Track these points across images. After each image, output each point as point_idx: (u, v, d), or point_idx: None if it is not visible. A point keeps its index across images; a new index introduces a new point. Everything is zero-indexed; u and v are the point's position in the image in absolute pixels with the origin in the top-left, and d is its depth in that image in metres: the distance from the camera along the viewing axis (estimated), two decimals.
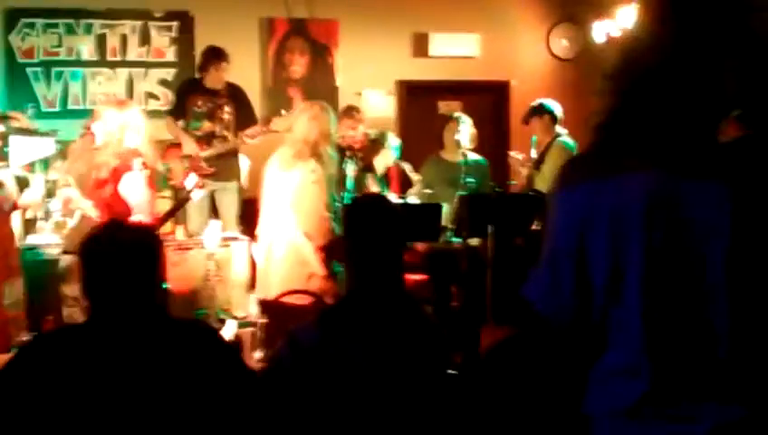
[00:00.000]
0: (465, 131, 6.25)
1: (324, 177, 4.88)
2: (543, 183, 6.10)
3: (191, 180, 5.05)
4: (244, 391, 2.15)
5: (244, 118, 6.71)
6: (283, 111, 6.56)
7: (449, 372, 2.48)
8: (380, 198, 2.73)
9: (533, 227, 5.62)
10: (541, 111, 6.39)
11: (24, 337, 2.79)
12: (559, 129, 6.37)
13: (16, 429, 2.06)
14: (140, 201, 4.37)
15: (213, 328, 2.51)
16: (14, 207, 4.55)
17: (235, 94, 6.74)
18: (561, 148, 6.22)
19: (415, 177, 6.43)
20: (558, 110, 6.42)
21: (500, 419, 2.45)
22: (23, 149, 4.40)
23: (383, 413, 2.31)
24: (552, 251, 1.60)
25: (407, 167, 6.61)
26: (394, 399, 2.32)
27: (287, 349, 2.34)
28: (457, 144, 6.19)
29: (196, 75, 7.02)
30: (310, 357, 2.29)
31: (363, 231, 2.42)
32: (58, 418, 2.06)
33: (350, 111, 6.93)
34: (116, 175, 4.41)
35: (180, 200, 5.19)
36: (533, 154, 6.44)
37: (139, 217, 4.37)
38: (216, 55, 6.61)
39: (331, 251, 3.26)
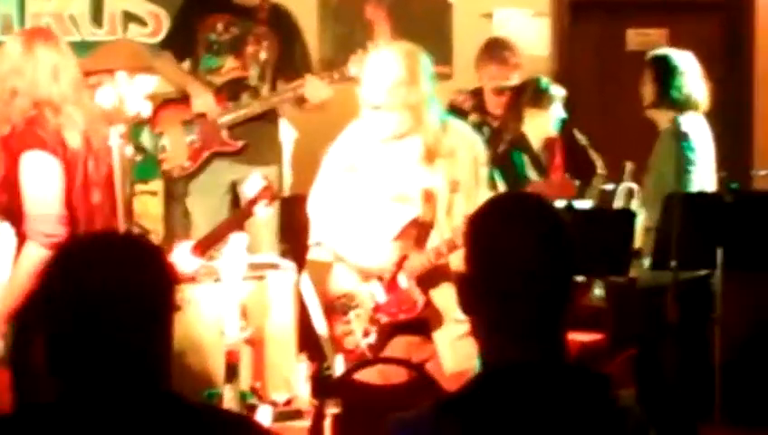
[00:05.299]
0: (694, 80, 6.30)
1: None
2: None
3: (255, 184, 5.13)
4: None
5: (292, 60, 6.79)
6: (369, 46, 6.55)
7: None
8: (533, 202, 2.72)
9: None
10: None
11: None
12: None
13: None
14: (41, 203, 4.44)
15: (249, 420, 2.55)
16: None
17: (279, 20, 6.82)
18: None
19: (597, 159, 6.43)
20: None
21: None
22: None
23: None
24: None
25: (582, 139, 6.63)
26: None
27: None
28: (678, 102, 6.20)
29: None
30: None
31: (508, 261, 2.43)
32: None
33: (500, 51, 7.03)
34: (9, 149, 4.47)
35: (235, 217, 5.29)
36: None
37: (41, 228, 4.42)
38: None
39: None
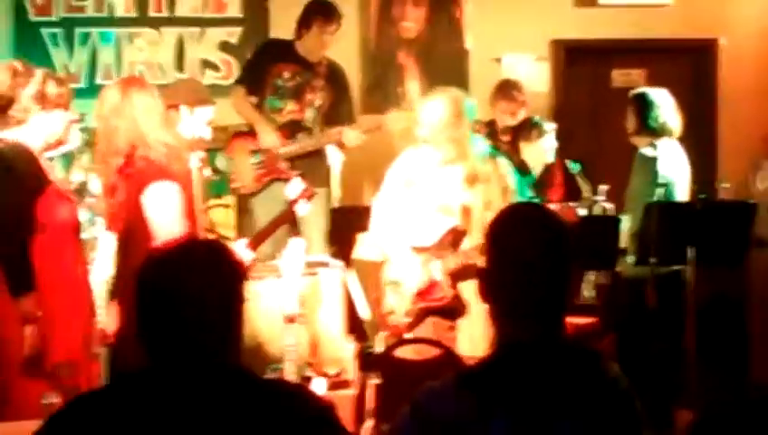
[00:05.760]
0: (668, 111, 6.29)
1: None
2: None
3: (295, 187, 5.18)
4: None
5: (339, 110, 6.85)
6: (401, 93, 6.70)
7: None
8: (539, 209, 2.73)
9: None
10: None
11: (54, 398, 2.88)
12: None
13: None
14: (170, 225, 4.40)
15: (308, 390, 2.55)
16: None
17: (336, 76, 6.87)
18: None
19: (585, 184, 6.41)
20: None
21: None
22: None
23: None
24: None
25: (573, 167, 6.60)
26: None
27: (413, 423, 2.35)
28: (655, 130, 6.21)
29: (272, 34, 7.15)
30: None
31: (518, 257, 2.42)
32: None
33: (509, 90, 7.10)
34: (128, 177, 4.48)
35: (280, 217, 5.34)
36: None
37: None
38: (324, 12, 6.70)
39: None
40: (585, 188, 6.41)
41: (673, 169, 6.17)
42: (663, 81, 6.79)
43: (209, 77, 7.95)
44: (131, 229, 4.50)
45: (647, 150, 6.13)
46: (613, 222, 5.99)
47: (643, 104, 6.31)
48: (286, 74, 6.76)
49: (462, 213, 5.16)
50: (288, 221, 5.27)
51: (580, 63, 8.47)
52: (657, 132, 6.23)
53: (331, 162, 7.02)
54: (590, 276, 6.29)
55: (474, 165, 5.21)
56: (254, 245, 5.17)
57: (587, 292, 6.31)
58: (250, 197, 6.74)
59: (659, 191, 6.00)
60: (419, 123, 5.26)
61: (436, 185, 5.24)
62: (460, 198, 5.18)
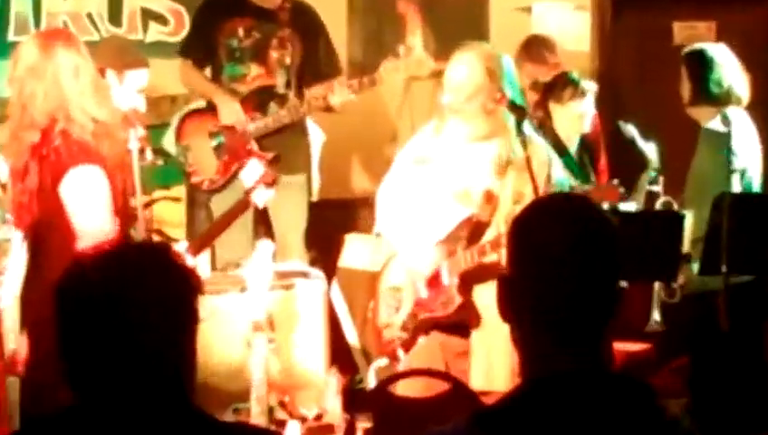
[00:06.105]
0: (733, 72, 6.23)
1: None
2: None
3: (253, 170, 5.17)
4: None
5: (317, 61, 6.84)
6: (401, 48, 6.65)
7: None
8: (574, 201, 2.72)
9: None
10: None
11: None
12: None
13: None
14: (96, 219, 4.42)
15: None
16: None
17: (303, 19, 6.84)
18: None
19: (651, 151, 6.37)
20: None
21: None
22: None
23: None
24: None
25: (629, 131, 6.59)
26: None
27: None
28: (718, 97, 6.16)
29: None
30: None
31: (543, 252, 2.42)
32: None
33: (538, 49, 7.12)
34: (44, 159, 4.46)
35: (231, 211, 5.32)
36: None
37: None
38: None
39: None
40: (652, 155, 6.39)
41: (745, 147, 6.12)
42: (736, 36, 6.78)
43: (153, 32, 7.98)
44: (45, 226, 4.49)
45: (715, 124, 6.05)
46: (676, 220, 5.94)
47: (701, 64, 6.25)
48: (240, 31, 6.76)
49: (484, 200, 5.15)
50: (242, 213, 5.27)
51: (631, 14, 8.53)
52: (720, 100, 6.15)
53: (310, 142, 6.99)
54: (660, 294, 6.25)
55: (511, 144, 5.15)
56: (198, 248, 5.16)
57: (656, 316, 6.25)
58: (215, 192, 6.70)
59: (734, 179, 5.98)
60: (445, 90, 5.22)
61: (455, 165, 5.21)
62: (483, 184, 5.16)
